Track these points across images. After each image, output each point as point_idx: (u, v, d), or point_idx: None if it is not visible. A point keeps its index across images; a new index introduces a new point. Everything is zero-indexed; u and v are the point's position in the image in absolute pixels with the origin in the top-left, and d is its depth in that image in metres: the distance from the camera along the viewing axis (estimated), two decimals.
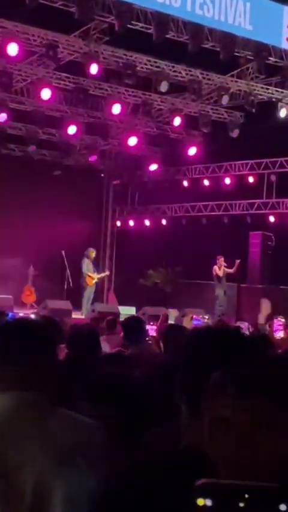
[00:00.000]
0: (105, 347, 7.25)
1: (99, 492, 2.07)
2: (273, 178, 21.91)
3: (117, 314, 16.65)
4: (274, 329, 17.26)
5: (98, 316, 14.97)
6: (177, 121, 19.56)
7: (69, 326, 9.28)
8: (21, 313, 17.36)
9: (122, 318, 10.77)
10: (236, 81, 18.59)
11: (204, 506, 1.44)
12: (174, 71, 17.90)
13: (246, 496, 1.42)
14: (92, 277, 20.13)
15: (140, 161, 23.19)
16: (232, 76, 18.58)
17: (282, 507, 1.42)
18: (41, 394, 2.42)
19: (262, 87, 18.69)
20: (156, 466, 2.07)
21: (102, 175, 24.77)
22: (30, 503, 2.25)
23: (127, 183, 24.89)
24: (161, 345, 5.90)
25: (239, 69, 18.48)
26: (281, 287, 22.23)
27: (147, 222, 24.82)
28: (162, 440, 2.52)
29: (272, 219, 22.38)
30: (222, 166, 22.78)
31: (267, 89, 18.75)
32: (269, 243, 23.27)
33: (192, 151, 21.68)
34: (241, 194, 22.70)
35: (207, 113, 19.86)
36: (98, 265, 21.88)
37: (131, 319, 7.47)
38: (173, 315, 19.58)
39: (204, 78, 18.30)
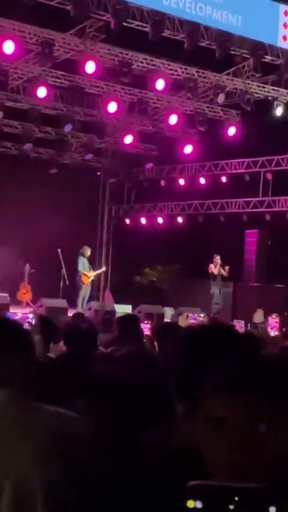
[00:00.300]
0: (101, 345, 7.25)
1: (94, 489, 2.07)
2: (269, 176, 21.92)
3: (114, 312, 16.66)
4: (269, 326, 17.30)
5: (94, 314, 15.00)
6: (173, 119, 19.56)
7: (66, 323, 9.32)
8: (18, 312, 17.37)
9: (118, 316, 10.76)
10: (232, 80, 18.59)
11: (195, 508, 1.44)
12: (170, 69, 17.89)
13: (236, 498, 1.43)
14: (88, 275, 20.13)
15: (136, 159, 23.19)
16: (228, 74, 18.57)
17: (272, 509, 1.42)
18: (20, 391, 2.42)
19: (258, 86, 18.69)
20: (149, 466, 2.08)
21: (99, 173, 24.76)
22: (11, 500, 2.25)
23: (123, 181, 24.88)
24: (155, 343, 5.89)
25: (235, 68, 18.47)
26: (277, 285, 22.26)
27: (143, 220, 24.82)
28: (158, 440, 2.52)
29: (268, 217, 22.38)
30: (218, 165, 22.78)
31: (263, 87, 18.76)
32: (265, 241, 23.29)
33: (188, 149, 21.68)
34: (237, 192, 22.71)
35: (203, 111, 19.86)
36: (94, 264, 21.87)
37: (126, 317, 7.47)
38: (169, 313, 19.60)
39: (200, 76, 18.30)
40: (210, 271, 20.85)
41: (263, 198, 22.32)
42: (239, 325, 16.45)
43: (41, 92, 17.51)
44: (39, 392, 2.53)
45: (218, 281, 20.91)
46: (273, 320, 18.24)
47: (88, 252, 20.59)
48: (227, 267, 20.73)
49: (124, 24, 15.09)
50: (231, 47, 16.29)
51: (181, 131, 21.40)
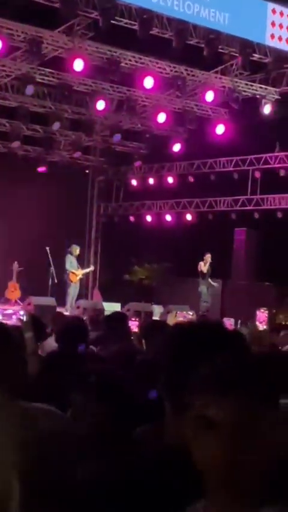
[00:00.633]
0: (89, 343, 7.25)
1: (85, 487, 2.07)
2: (257, 174, 21.96)
3: (102, 310, 16.65)
4: (258, 321, 17.38)
5: (83, 312, 14.99)
6: (161, 117, 19.55)
7: (58, 319, 9.31)
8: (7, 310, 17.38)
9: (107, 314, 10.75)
10: (220, 78, 18.61)
11: None
12: (159, 67, 17.89)
13: None
14: (76, 273, 20.11)
15: (125, 157, 23.18)
16: (216, 72, 18.60)
17: None
18: (11, 390, 2.41)
19: (246, 84, 18.72)
20: (141, 464, 2.08)
21: (87, 171, 24.73)
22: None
23: (112, 179, 24.87)
24: (143, 341, 5.89)
25: (223, 66, 18.50)
26: (266, 283, 22.30)
27: (132, 219, 24.81)
28: (150, 438, 2.52)
29: (256, 215, 22.42)
30: (207, 163, 22.79)
31: (252, 85, 18.79)
32: (254, 239, 23.32)
33: (176, 147, 21.69)
34: (226, 191, 22.73)
35: (191, 109, 19.88)
36: (82, 262, 21.85)
37: (113, 315, 7.48)
38: (158, 311, 19.60)
39: (188, 74, 18.31)
40: (199, 269, 20.86)
41: (252, 196, 22.36)
42: (229, 323, 16.49)
43: (29, 89, 17.49)
44: (31, 390, 2.52)
45: (206, 279, 20.93)
46: (262, 314, 18.31)
47: (77, 250, 20.56)
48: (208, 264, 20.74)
49: (112, 22, 15.08)
50: (219, 45, 16.32)
51: (170, 129, 21.41)
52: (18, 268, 21.11)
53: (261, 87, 18.82)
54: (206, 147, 21.35)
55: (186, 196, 23.55)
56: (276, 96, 18.93)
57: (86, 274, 21.94)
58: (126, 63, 17.43)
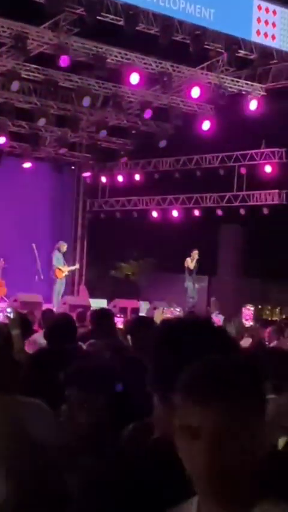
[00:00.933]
0: None
1: (74, 481, 2.07)
2: (243, 171, 22.00)
3: (88, 307, 16.64)
4: (244, 317, 17.41)
5: (69, 309, 14.97)
6: (147, 113, 19.53)
7: (47, 317, 9.31)
8: None
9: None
10: (206, 74, 18.62)
11: None
12: (145, 63, 17.87)
13: None
14: (62, 270, 20.09)
15: (111, 153, 23.15)
16: (202, 69, 18.60)
17: None
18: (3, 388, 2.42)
19: (232, 80, 18.73)
20: (127, 458, 2.08)
21: (73, 167, 24.68)
22: None
23: (98, 175, 24.83)
24: (128, 337, 5.89)
25: (209, 62, 18.50)
26: (252, 279, 22.38)
27: (118, 215, 24.79)
28: (140, 433, 2.52)
29: (242, 211, 22.47)
30: (193, 159, 22.81)
31: (237, 81, 18.81)
32: (240, 235, 23.40)
33: (162, 143, 21.67)
34: (212, 187, 22.76)
35: (177, 105, 19.87)
36: (69, 258, 21.81)
37: (99, 311, 7.48)
38: (144, 307, 19.63)
39: (174, 70, 18.30)
40: (186, 265, 20.87)
41: (238, 193, 22.40)
42: (217, 319, 16.51)
43: (14, 85, 17.44)
44: (22, 386, 2.52)
45: (192, 275, 20.95)
46: (248, 311, 18.36)
47: (64, 247, 20.54)
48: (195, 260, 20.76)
49: (98, 17, 15.04)
50: (205, 41, 16.31)
51: (155, 125, 21.39)
52: (4, 264, 21.04)
53: (247, 84, 18.84)
54: (192, 143, 21.37)
55: (173, 192, 23.56)
56: (262, 93, 18.96)
57: (72, 272, 21.91)
58: (112, 59, 17.40)
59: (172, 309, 18.41)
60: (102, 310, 7.75)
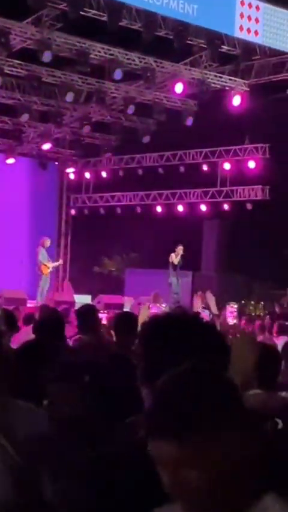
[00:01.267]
0: None
1: (64, 479, 2.08)
2: (227, 166, 22.04)
3: (73, 303, 16.64)
4: (227, 315, 17.42)
5: (54, 305, 14.94)
6: (131, 109, 19.50)
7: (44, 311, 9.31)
8: None
9: (77, 307, 10.75)
10: (189, 69, 18.62)
11: None
12: (128, 59, 17.85)
13: None
14: (47, 266, 20.05)
15: (95, 149, 23.12)
16: (186, 64, 18.60)
17: None
18: None
19: (215, 76, 18.74)
20: (120, 457, 2.08)
21: (57, 163, 24.63)
22: None
23: (81, 171, 24.80)
24: (112, 332, 5.90)
25: (192, 58, 18.51)
26: (236, 274, 22.44)
27: (101, 210, 24.77)
28: (128, 431, 2.52)
29: (226, 207, 22.52)
30: (177, 155, 22.82)
31: (221, 77, 18.82)
32: (224, 231, 23.44)
33: (146, 139, 21.66)
34: (195, 182, 22.80)
35: (161, 100, 19.87)
36: (53, 254, 21.78)
37: (83, 308, 7.48)
38: (128, 303, 19.63)
39: (158, 66, 18.28)
40: (170, 261, 20.86)
41: (221, 188, 22.44)
42: (204, 314, 16.51)
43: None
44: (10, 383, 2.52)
45: (177, 271, 20.95)
46: (232, 309, 18.39)
47: (48, 242, 20.49)
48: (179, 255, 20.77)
49: (81, 13, 14.99)
50: (188, 36, 16.30)
51: (139, 121, 21.38)
52: None
53: (230, 79, 18.86)
54: (176, 139, 21.38)
55: (156, 188, 23.57)
56: (245, 88, 18.99)
57: (55, 267, 21.87)
58: (95, 55, 17.36)
59: (158, 304, 18.41)
60: (85, 307, 7.76)
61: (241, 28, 16.22)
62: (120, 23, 15.42)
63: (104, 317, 11.72)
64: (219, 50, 16.98)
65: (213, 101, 18.68)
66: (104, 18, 15.30)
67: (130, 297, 20.51)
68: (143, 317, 6.20)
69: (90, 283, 22.18)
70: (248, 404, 1.76)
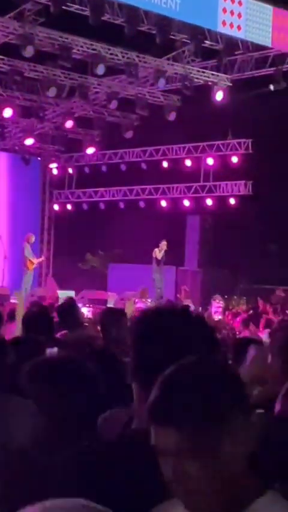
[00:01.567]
0: None
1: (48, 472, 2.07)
2: (210, 161, 22.06)
3: (56, 298, 16.59)
4: (212, 311, 17.46)
5: (37, 300, 14.88)
6: (113, 104, 19.45)
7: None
8: None
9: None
10: (172, 64, 18.61)
11: None
12: (111, 54, 17.81)
13: None
14: (33, 261, 20.02)
15: (77, 144, 23.07)
16: (168, 59, 18.59)
17: None
18: None
19: (198, 71, 18.75)
20: (101, 449, 2.08)
21: (39, 158, 24.54)
22: None
23: (64, 166, 24.73)
24: (99, 328, 5.90)
25: (175, 52, 18.49)
26: (219, 270, 22.48)
27: (85, 206, 24.73)
28: (113, 424, 2.51)
29: (209, 202, 22.55)
30: (160, 150, 22.82)
31: (203, 72, 18.83)
32: (207, 226, 23.46)
33: (129, 134, 21.64)
34: (178, 177, 22.80)
35: (144, 96, 19.84)
36: (36, 250, 21.71)
37: (63, 304, 7.48)
38: (112, 298, 19.60)
39: (140, 61, 18.26)
40: (154, 256, 20.86)
41: (204, 183, 22.47)
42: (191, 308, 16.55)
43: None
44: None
45: (160, 266, 20.96)
46: (217, 304, 18.43)
47: (33, 238, 20.47)
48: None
49: (64, 8, 14.93)
50: (171, 31, 16.29)
51: (122, 116, 21.35)
52: None
53: (213, 74, 18.87)
54: (159, 134, 21.37)
55: (139, 183, 23.56)
56: (228, 83, 19.01)
57: (39, 263, 21.83)
58: (77, 50, 17.31)
59: (144, 299, 18.42)
60: (65, 302, 7.75)
61: (224, 23, 16.20)
62: (102, 18, 15.38)
63: (89, 311, 11.70)
64: (202, 44, 16.97)
65: (196, 96, 18.68)
66: (87, 13, 15.25)
67: (113, 292, 20.49)
68: (128, 312, 6.20)
69: (74, 279, 22.12)
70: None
